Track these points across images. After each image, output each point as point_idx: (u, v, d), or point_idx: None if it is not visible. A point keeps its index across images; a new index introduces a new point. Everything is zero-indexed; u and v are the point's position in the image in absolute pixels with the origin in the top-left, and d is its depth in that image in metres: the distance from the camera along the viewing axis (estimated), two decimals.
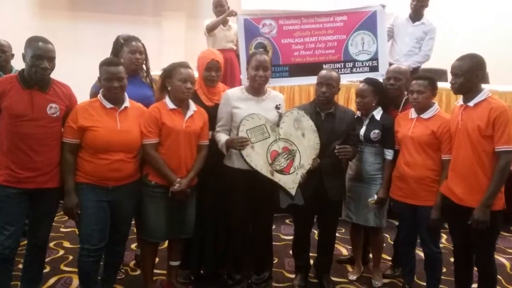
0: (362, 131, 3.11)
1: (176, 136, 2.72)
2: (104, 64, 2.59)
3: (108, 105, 2.61)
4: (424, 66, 4.76)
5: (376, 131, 3.06)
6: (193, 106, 2.80)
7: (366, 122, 3.13)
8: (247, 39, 3.87)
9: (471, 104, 2.59)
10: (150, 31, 7.40)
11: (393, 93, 3.20)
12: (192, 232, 2.90)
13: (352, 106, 4.98)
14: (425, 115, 2.88)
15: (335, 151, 2.87)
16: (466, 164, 2.59)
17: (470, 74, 2.56)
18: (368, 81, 3.15)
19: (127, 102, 2.67)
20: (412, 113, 2.95)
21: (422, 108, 2.89)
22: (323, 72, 3.03)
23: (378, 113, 3.12)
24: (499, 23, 7.20)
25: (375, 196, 3.08)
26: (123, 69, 2.62)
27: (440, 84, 3.02)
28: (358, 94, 3.14)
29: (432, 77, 2.95)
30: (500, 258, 3.85)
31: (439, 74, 5.29)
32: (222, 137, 2.81)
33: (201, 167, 2.84)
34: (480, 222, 2.51)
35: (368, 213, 3.13)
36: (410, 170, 2.88)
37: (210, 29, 4.49)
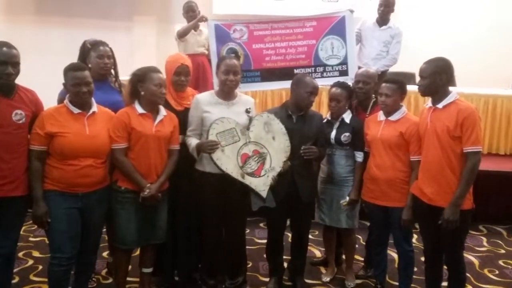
0: (333, 134, 3.15)
1: (145, 141, 2.69)
2: (70, 70, 2.54)
3: (76, 111, 2.56)
4: (393, 69, 4.86)
5: (347, 134, 3.11)
6: (163, 111, 2.77)
7: (336, 125, 3.16)
8: (218, 44, 3.89)
9: (440, 106, 2.64)
10: (121, 35, 7.29)
11: (361, 96, 3.27)
12: (164, 237, 2.87)
13: (323, 110, 5.06)
14: (393, 118, 2.92)
15: (301, 151, 2.91)
16: (435, 165, 2.64)
17: (435, 76, 2.62)
18: (342, 85, 3.19)
19: (94, 107, 2.63)
20: (381, 116, 2.99)
21: (390, 110, 2.93)
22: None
23: (347, 116, 3.17)
24: (464, 27, 7.41)
25: (347, 198, 3.12)
26: (89, 74, 2.59)
27: (408, 87, 3.09)
28: (333, 99, 3.16)
29: (401, 80, 2.99)
30: (469, 256, 3.94)
31: (408, 77, 5.42)
32: (193, 141, 2.80)
33: (171, 172, 2.81)
34: (450, 222, 2.56)
35: (341, 215, 3.17)
36: (380, 172, 2.92)
37: (182, 35, 4.47)
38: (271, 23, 3.92)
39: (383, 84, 2.95)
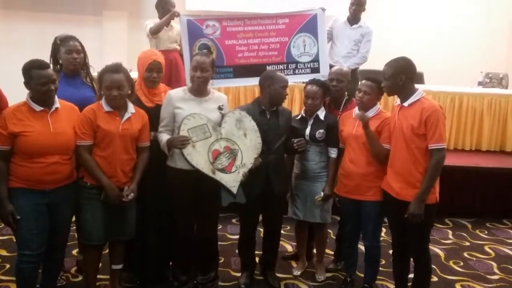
0: (308, 131, 3.19)
1: (111, 139, 2.66)
2: (34, 68, 2.47)
3: (38, 108, 2.51)
4: (364, 67, 4.94)
5: (321, 130, 3.15)
6: (131, 108, 2.74)
7: (310, 122, 3.21)
8: (190, 40, 3.86)
9: (405, 104, 2.73)
10: (91, 31, 7.18)
11: (335, 94, 3.33)
12: (133, 233, 2.84)
13: (295, 106, 5.11)
14: (367, 114, 2.95)
15: (295, 145, 2.97)
16: (402, 161, 2.73)
17: (394, 77, 2.70)
18: (318, 83, 3.22)
19: (57, 103, 2.58)
20: (355, 112, 3.03)
21: (365, 107, 2.98)
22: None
23: (322, 113, 3.21)
24: (433, 27, 7.62)
25: (322, 194, 3.17)
26: (52, 71, 2.56)
27: None
28: (310, 96, 3.18)
29: (380, 80, 2.96)
30: (435, 248, 4.06)
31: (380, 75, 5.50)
32: (164, 137, 2.79)
33: (144, 169, 2.80)
34: (415, 215, 2.64)
35: (315, 210, 3.22)
36: (354, 167, 2.99)
37: (155, 32, 4.40)
38: (244, 19, 3.91)
39: (363, 81, 3.01)
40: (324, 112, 3.22)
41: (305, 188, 3.25)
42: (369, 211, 2.99)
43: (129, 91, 2.73)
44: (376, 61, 5.00)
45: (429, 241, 2.92)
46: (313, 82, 3.24)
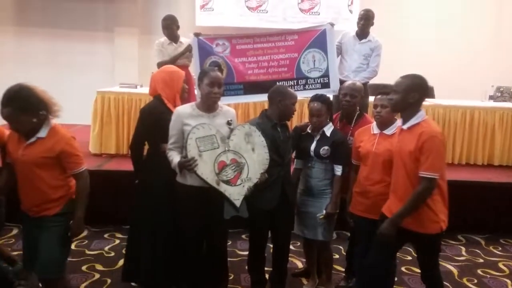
0: (313, 147, 3.15)
1: (15, 163, 2.50)
2: None
3: None
4: (373, 81, 4.94)
5: (326, 147, 3.10)
6: (42, 132, 2.47)
7: (317, 138, 3.18)
8: (201, 57, 3.92)
9: (405, 127, 2.60)
10: (102, 46, 7.32)
11: (348, 109, 3.31)
12: (46, 273, 2.54)
13: (305, 121, 5.09)
14: (388, 131, 2.86)
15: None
16: (402, 186, 2.59)
17: (407, 93, 2.56)
18: (320, 99, 3.17)
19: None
20: (374, 129, 2.94)
21: (384, 122, 2.88)
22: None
23: (328, 129, 3.16)
24: (444, 41, 7.61)
25: (324, 211, 3.12)
26: None
27: None
28: (314, 114, 3.12)
29: None
30: (448, 265, 4.00)
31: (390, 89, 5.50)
32: (175, 158, 2.77)
33: (85, 199, 2.57)
34: (383, 235, 2.55)
35: (318, 227, 3.17)
36: (372, 185, 2.87)
37: (171, 62, 4.41)
38: (253, 37, 3.96)
39: (379, 96, 2.91)
40: (331, 128, 3.17)
41: (309, 205, 3.20)
42: None
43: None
44: (386, 75, 5.02)
45: (439, 266, 2.81)
46: (315, 99, 3.16)
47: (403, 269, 3.86)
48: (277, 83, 3.89)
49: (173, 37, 4.72)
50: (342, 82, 3.77)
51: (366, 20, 4.77)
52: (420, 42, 7.55)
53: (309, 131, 3.25)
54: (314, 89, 4.03)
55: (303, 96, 4.31)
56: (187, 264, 2.99)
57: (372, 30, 4.87)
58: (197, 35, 4.05)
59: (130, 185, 3.16)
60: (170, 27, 4.68)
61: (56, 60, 7.13)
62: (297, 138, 3.25)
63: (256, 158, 2.86)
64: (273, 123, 3.06)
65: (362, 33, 4.83)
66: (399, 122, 2.74)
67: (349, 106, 3.29)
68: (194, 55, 3.97)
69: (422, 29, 7.65)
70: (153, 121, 2.96)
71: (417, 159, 2.49)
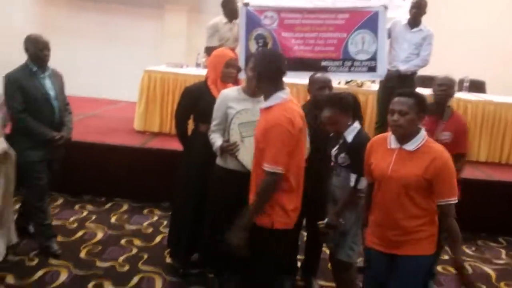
0: (334, 153, 2.73)
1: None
2: None
3: None
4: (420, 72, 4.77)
5: (342, 154, 2.65)
6: None
7: (339, 142, 2.72)
8: (247, 29, 3.89)
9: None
10: (151, 23, 7.42)
11: (442, 99, 3.21)
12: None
13: (366, 115, 4.72)
14: (409, 146, 2.21)
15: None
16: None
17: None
18: (331, 102, 2.69)
19: None
20: (392, 142, 2.27)
21: (404, 134, 2.21)
22: (320, 76, 3.05)
23: (350, 133, 2.65)
24: (495, 32, 7.20)
25: (326, 219, 2.69)
26: None
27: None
28: (326, 122, 2.67)
29: (420, 95, 2.27)
30: (485, 268, 3.83)
31: (427, 81, 5.24)
32: (217, 141, 2.75)
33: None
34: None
35: (342, 243, 2.67)
36: (387, 216, 2.27)
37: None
38: (303, 11, 3.89)
39: (396, 98, 2.23)
40: (353, 132, 2.65)
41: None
42: (404, 268, 2.26)
43: None
44: (433, 67, 4.85)
45: None
46: (327, 105, 2.68)
47: (439, 268, 3.70)
48: (322, 62, 3.83)
49: (233, 13, 4.58)
50: (388, 71, 3.64)
51: (418, 9, 4.63)
52: (471, 33, 7.18)
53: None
54: (360, 72, 3.94)
55: (347, 78, 4.23)
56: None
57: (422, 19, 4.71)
58: (246, 4, 4.02)
59: (172, 164, 3.21)
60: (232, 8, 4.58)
61: (105, 35, 7.21)
62: (325, 139, 2.87)
63: None
64: (313, 114, 2.92)
65: (414, 21, 4.68)
66: (424, 132, 2.25)
67: (446, 96, 3.19)
68: (240, 26, 3.93)
69: (473, 20, 7.28)
70: (192, 100, 3.01)
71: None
